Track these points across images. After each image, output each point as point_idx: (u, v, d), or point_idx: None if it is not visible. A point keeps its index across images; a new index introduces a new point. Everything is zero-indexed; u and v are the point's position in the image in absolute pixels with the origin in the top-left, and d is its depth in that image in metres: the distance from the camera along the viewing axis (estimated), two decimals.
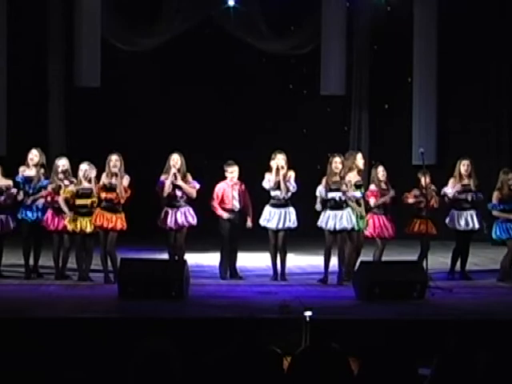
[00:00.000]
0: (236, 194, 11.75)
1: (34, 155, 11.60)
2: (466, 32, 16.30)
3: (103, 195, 11.16)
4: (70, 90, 16.31)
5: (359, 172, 11.70)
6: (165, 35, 16.16)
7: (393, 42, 16.86)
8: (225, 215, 11.70)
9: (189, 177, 11.61)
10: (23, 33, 15.88)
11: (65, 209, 11.18)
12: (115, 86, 16.37)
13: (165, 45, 16.30)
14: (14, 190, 11.42)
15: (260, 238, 12.22)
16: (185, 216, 11.56)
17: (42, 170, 11.58)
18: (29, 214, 11.44)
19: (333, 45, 16.38)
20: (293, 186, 11.54)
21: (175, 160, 11.54)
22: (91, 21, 15.64)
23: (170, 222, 11.50)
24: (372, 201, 11.66)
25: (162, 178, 11.55)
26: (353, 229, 11.40)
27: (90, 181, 11.24)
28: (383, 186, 11.76)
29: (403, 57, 16.64)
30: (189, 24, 16.19)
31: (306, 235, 12.24)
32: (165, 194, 11.50)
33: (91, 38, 15.68)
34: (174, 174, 11.48)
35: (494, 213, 11.63)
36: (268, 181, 11.55)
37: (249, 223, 11.78)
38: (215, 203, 11.72)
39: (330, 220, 11.29)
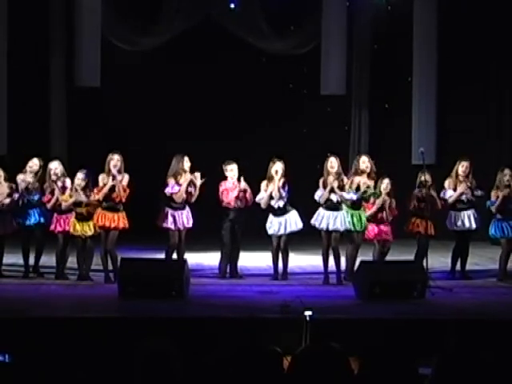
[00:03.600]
0: (237, 193, 11.75)
1: (34, 164, 11.60)
2: (466, 31, 16.29)
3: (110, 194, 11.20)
4: (70, 89, 16.31)
5: (369, 175, 11.64)
6: (165, 35, 16.16)
7: (393, 42, 16.86)
8: (232, 202, 11.67)
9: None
10: (24, 32, 15.87)
11: (70, 201, 11.19)
12: (116, 86, 16.37)
13: (165, 44, 16.30)
14: (16, 195, 11.43)
15: (260, 238, 12.23)
16: (187, 217, 11.60)
17: (36, 185, 11.55)
18: (26, 221, 11.45)
19: (333, 44, 16.38)
20: (285, 193, 11.53)
21: (188, 161, 11.58)
22: (92, 20, 15.64)
23: (178, 222, 11.52)
24: (367, 212, 11.64)
25: (172, 182, 11.51)
26: (352, 230, 11.41)
27: (83, 190, 11.24)
28: (385, 199, 11.68)
29: (403, 56, 16.63)
30: (189, 24, 16.18)
31: (306, 235, 12.23)
32: (179, 200, 11.51)
33: (92, 38, 15.68)
34: (193, 178, 11.51)
35: (493, 209, 11.64)
36: (261, 198, 11.57)
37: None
38: (222, 200, 11.73)
39: (324, 220, 11.32)
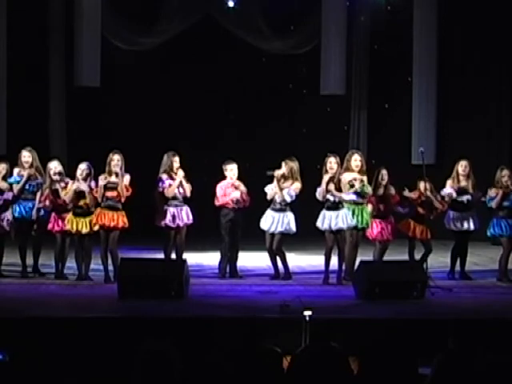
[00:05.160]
0: (236, 193, 11.74)
1: (27, 156, 11.60)
2: (466, 31, 16.30)
3: (105, 194, 11.19)
4: (70, 89, 16.32)
5: (359, 172, 11.62)
6: (165, 34, 16.16)
7: (393, 42, 16.85)
8: (231, 201, 11.66)
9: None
10: (23, 32, 15.87)
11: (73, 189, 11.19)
12: (115, 86, 16.38)
13: (165, 44, 16.31)
14: (10, 194, 11.43)
15: (260, 238, 12.22)
16: (186, 214, 11.59)
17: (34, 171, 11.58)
18: (23, 212, 11.45)
19: (333, 44, 16.37)
20: (290, 196, 11.54)
21: (177, 161, 11.58)
22: (91, 20, 15.64)
23: (177, 219, 11.51)
24: (369, 207, 11.65)
25: (165, 177, 11.52)
26: (355, 227, 11.40)
27: (85, 180, 11.24)
28: (380, 191, 11.70)
29: (403, 56, 16.63)
30: (189, 23, 16.19)
31: (307, 235, 12.25)
32: (171, 195, 11.51)
33: (91, 38, 15.68)
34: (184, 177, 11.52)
35: (491, 204, 11.63)
36: (271, 189, 11.61)
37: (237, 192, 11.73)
38: (218, 199, 11.71)
39: (326, 220, 11.30)
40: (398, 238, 12.30)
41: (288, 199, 11.58)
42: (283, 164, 11.67)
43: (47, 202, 11.37)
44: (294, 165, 11.65)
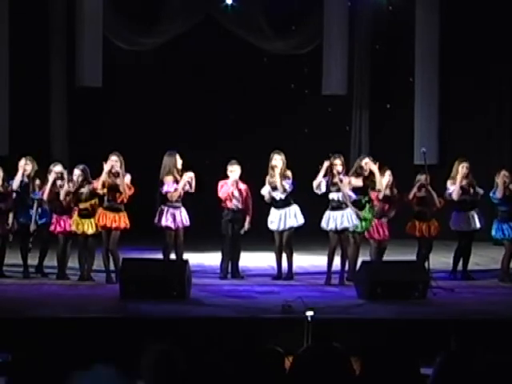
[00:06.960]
0: (236, 193, 11.74)
1: (26, 164, 11.60)
2: (468, 31, 16.29)
3: (105, 193, 11.22)
4: (71, 89, 16.32)
5: (367, 177, 11.57)
6: (166, 35, 16.17)
7: (394, 42, 16.86)
8: (229, 204, 11.65)
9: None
10: (25, 33, 15.88)
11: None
12: (117, 86, 16.38)
13: (166, 44, 16.32)
14: (13, 195, 11.47)
15: (261, 238, 12.22)
16: (185, 216, 11.58)
17: (38, 181, 11.59)
18: (28, 221, 11.49)
19: (334, 44, 16.38)
20: (289, 185, 11.55)
21: (180, 160, 11.56)
22: (93, 20, 15.66)
23: (177, 220, 11.49)
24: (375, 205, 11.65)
25: (170, 180, 11.48)
26: (355, 229, 11.40)
27: (82, 186, 11.27)
28: (387, 192, 11.70)
29: (405, 56, 16.63)
30: (190, 23, 16.20)
31: (308, 235, 12.24)
32: (174, 199, 11.49)
33: (93, 38, 15.70)
34: (189, 181, 11.51)
35: (498, 194, 11.62)
36: (267, 192, 11.60)
37: (245, 226, 11.75)
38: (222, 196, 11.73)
39: (331, 220, 11.29)
40: (399, 239, 12.30)
41: (288, 187, 11.56)
42: (277, 157, 11.62)
43: (45, 197, 11.39)
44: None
